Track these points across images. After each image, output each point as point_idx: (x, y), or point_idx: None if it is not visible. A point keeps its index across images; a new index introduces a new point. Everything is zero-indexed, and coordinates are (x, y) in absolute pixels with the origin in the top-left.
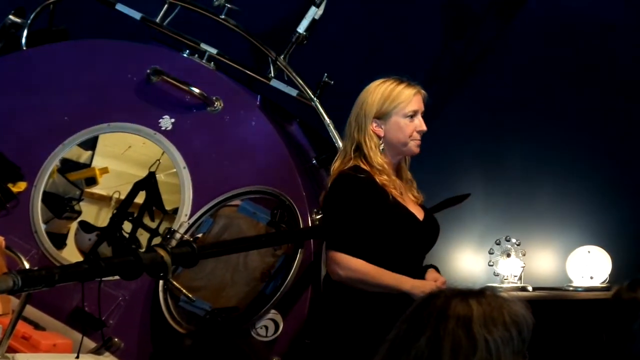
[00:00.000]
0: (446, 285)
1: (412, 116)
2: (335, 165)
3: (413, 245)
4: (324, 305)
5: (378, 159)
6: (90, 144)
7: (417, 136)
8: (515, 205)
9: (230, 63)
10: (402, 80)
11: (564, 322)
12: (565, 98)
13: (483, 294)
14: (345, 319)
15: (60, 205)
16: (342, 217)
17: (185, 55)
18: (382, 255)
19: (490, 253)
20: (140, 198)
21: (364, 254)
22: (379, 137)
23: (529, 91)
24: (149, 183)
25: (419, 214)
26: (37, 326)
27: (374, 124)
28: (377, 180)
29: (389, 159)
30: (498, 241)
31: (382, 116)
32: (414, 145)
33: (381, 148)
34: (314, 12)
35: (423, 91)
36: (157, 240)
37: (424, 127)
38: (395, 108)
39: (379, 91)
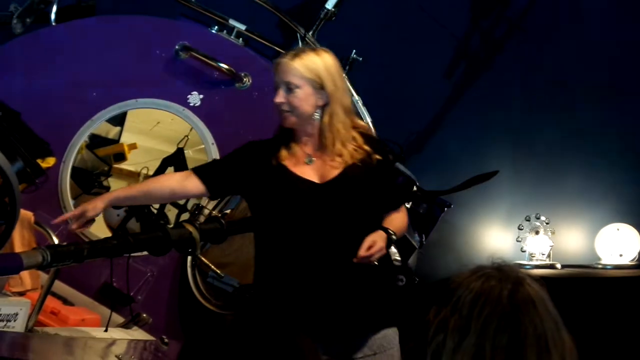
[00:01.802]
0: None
1: (276, 88)
2: None
3: (305, 210)
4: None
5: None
6: (119, 120)
7: (277, 108)
8: (544, 182)
9: (259, 39)
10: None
11: (593, 300)
12: (596, 75)
13: (517, 272)
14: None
15: (89, 181)
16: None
17: (213, 31)
18: (272, 222)
19: (520, 229)
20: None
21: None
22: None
23: (560, 68)
24: (177, 159)
25: (319, 178)
26: (65, 301)
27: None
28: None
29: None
30: (528, 217)
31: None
32: (281, 117)
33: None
34: None
35: (285, 59)
36: (185, 216)
37: (275, 99)
38: None
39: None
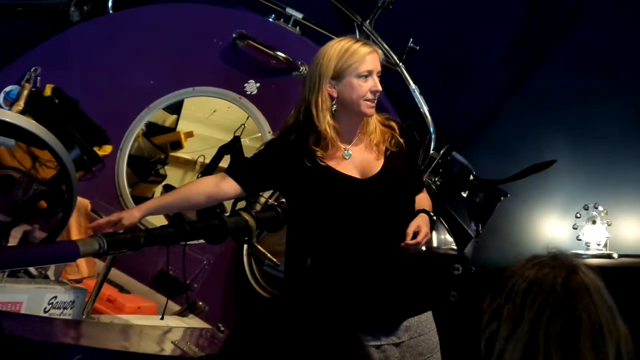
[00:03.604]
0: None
1: (367, 76)
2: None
3: (350, 206)
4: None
5: (324, 124)
6: (176, 108)
7: (370, 96)
8: (601, 172)
9: (316, 27)
10: (358, 40)
11: None
12: None
13: (572, 261)
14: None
15: (146, 169)
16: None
17: (270, 19)
18: (318, 218)
19: (577, 217)
20: (225, 162)
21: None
22: (332, 99)
23: (618, 55)
24: (233, 147)
25: (361, 173)
26: (122, 289)
27: (329, 85)
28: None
29: (341, 122)
30: (586, 206)
31: (336, 76)
32: (365, 107)
33: (333, 110)
34: None
35: (379, 50)
36: (241, 204)
37: (378, 88)
38: (349, 68)
39: (334, 51)
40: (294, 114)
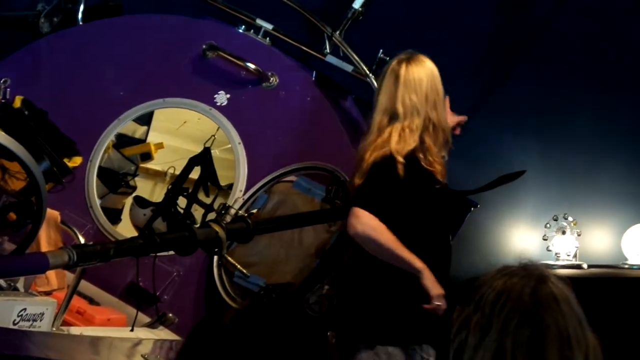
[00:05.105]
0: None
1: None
2: (394, 139)
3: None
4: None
5: (440, 139)
6: (146, 119)
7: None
8: (571, 182)
9: (286, 39)
10: None
11: (619, 300)
12: (625, 72)
13: (541, 271)
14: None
15: (116, 181)
16: (384, 192)
17: (240, 30)
18: (418, 231)
19: (547, 227)
20: (195, 173)
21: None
22: None
23: (585, 66)
24: (204, 158)
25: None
26: (91, 301)
27: None
28: (427, 165)
29: None
30: (555, 217)
31: None
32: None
33: None
34: None
35: None
36: (211, 215)
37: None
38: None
39: (435, 67)
40: (402, 130)
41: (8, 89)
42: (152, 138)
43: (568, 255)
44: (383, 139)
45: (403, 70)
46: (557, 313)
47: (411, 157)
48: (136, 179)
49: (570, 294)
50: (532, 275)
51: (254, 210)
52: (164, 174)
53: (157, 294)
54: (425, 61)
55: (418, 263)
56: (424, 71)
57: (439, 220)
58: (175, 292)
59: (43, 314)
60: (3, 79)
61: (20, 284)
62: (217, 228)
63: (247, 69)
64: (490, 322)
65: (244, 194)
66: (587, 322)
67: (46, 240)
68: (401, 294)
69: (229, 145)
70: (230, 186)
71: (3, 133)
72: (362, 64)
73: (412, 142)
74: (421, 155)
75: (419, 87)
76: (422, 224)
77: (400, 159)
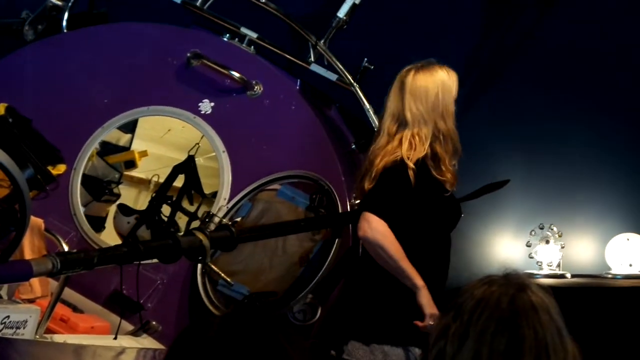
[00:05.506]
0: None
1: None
2: (405, 146)
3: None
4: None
5: (450, 148)
6: (130, 127)
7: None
8: (555, 191)
9: (270, 47)
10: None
11: (603, 310)
12: (606, 83)
13: (523, 280)
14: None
15: (100, 188)
16: (394, 197)
17: (225, 39)
18: (424, 236)
19: (532, 234)
20: (179, 181)
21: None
22: None
23: (569, 76)
24: (188, 166)
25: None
26: (75, 309)
27: None
28: (438, 174)
29: None
30: (541, 225)
31: None
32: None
33: None
34: None
35: None
36: (195, 224)
37: None
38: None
39: (452, 77)
40: (412, 138)
41: None
42: (136, 146)
43: (550, 265)
44: (393, 145)
45: (410, 78)
46: (535, 322)
47: (421, 164)
48: (120, 186)
49: (551, 303)
50: (512, 283)
51: (238, 219)
52: (148, 181)
53: (141, 302)
54: (438, 71)
55: (419, 280)
56: (431, 80)
57: (444, 229)
58: (159, 300)
59: (26, 321)
60: None
61: (3, 292)
62: (201, 236)
63: (231, 77)
64: (467, 330)
65: (228, 202)
66: (567, 331)
67: (30, 247)
68: (401, 294)
69: (213, 154)
70: (214, 194)
71: None
72: (346, 73)
73: (422, 150)
74: (432, 164)
75: (425, 97)
76: (428, 231)
77: (411, 165)
